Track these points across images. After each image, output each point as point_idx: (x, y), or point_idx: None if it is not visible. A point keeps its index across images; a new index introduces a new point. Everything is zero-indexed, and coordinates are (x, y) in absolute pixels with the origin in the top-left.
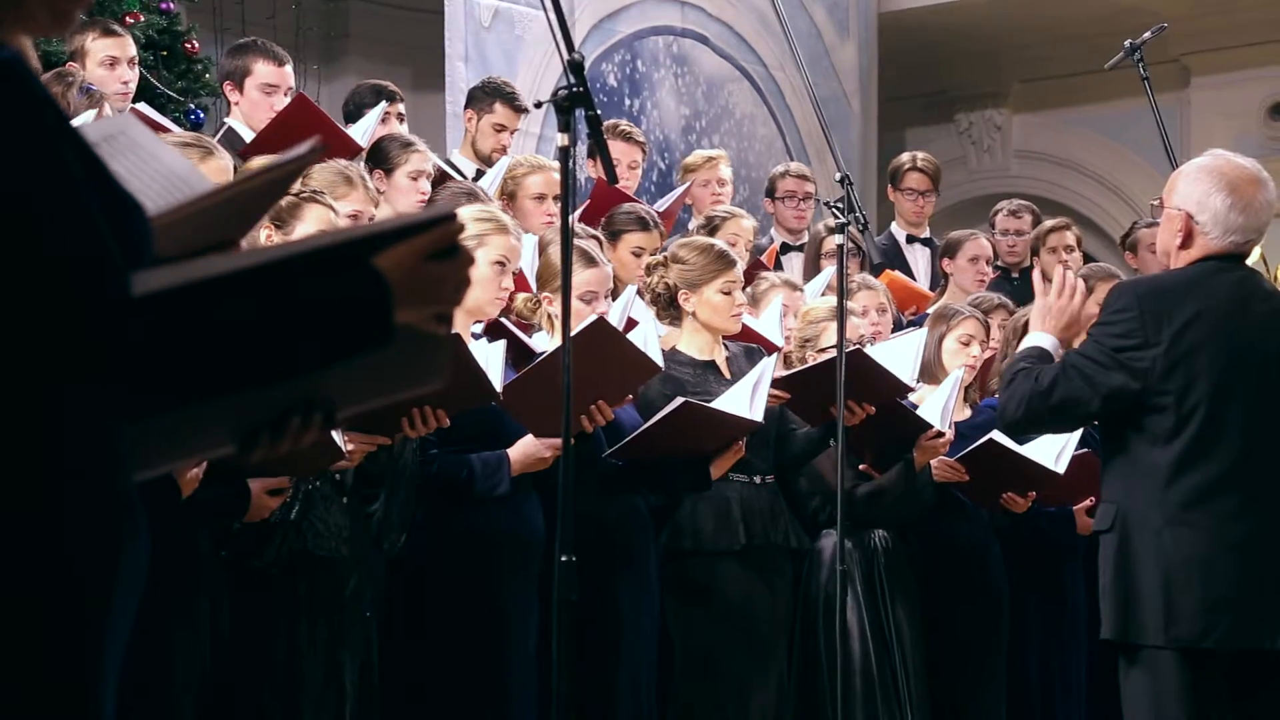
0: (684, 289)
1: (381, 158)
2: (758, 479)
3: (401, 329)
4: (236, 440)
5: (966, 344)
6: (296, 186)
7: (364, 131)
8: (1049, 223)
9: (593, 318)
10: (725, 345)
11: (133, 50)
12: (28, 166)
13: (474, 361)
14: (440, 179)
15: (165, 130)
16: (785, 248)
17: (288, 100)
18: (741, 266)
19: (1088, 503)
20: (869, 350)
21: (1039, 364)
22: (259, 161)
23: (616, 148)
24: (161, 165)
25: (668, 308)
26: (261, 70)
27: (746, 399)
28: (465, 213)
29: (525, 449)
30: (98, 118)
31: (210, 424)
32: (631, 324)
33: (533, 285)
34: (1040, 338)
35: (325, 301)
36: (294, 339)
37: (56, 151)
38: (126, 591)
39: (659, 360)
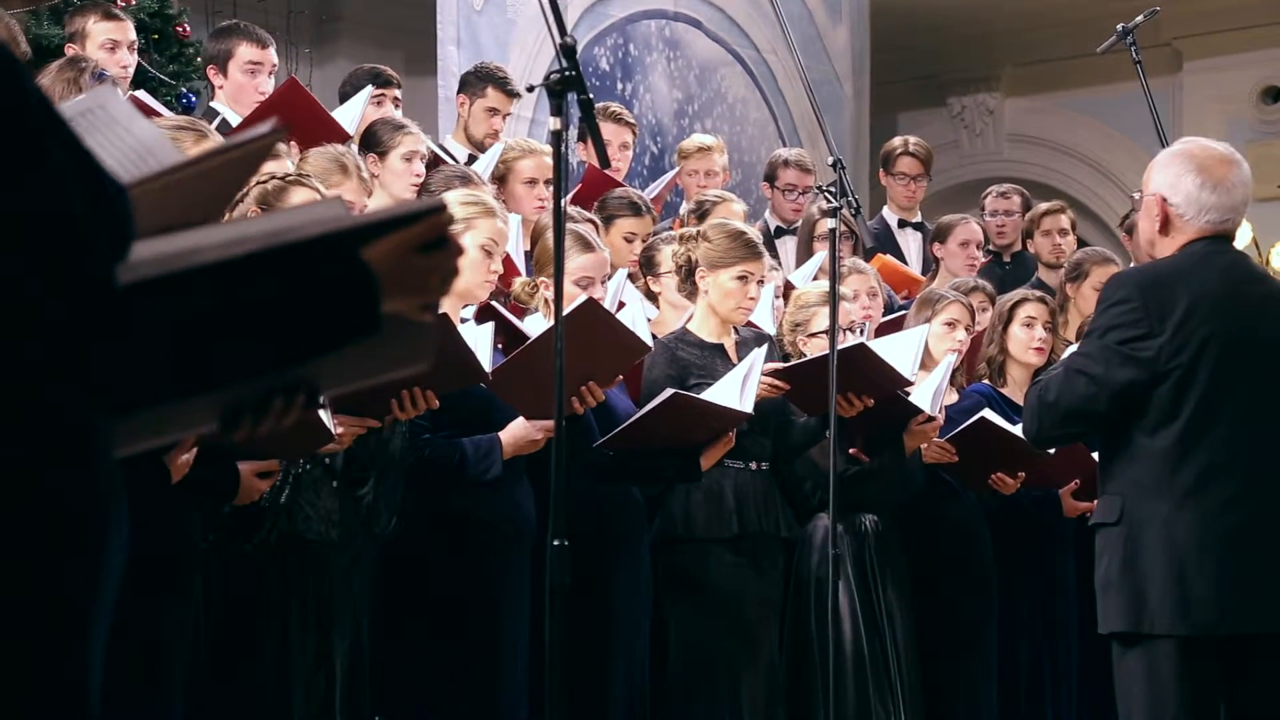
0: (704, 267)
1: (374, 141)
2: (753, 465)
3: (388, 318)
4: (219, 418)
5: (952, 328)
6: (287, 170)
7: (351, 118)
8: (1044, 206)
9: (582, 298)
10: (735, 330)
11: (133, 34)
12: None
13: (462, 342)
14: (433, 163)
15: (159, 115)
16: (779, 231)
17: (272, 81)
18: (768, 261)
19: (1073, 485)
20: (872, 345)
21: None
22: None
23: (606, 129)
24: (134, 139)
25: (686, 280)
26: (244, 52)
27: (736, 391)
28: (452, 197)
29: (516, 431)
30: None
31: (195, 404)
32: (622, 308)
33: (521, 268)
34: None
35: (313, 294)
36: (281, 331)
37: (42, 145)
38: (112, 577)
39: (648, 340)
